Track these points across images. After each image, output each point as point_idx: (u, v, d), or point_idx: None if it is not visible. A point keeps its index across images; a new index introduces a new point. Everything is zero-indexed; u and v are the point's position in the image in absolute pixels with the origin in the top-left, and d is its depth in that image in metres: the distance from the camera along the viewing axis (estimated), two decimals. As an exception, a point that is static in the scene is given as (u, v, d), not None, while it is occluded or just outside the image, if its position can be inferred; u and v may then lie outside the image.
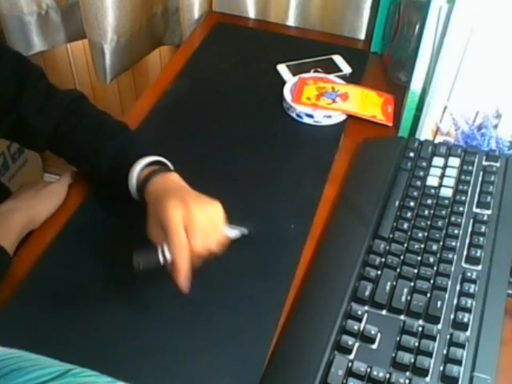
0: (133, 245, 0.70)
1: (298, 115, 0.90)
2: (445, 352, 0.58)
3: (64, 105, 0.76)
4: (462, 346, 0.57)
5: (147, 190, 0.65)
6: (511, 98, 0.77)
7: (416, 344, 0.58)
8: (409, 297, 0.62)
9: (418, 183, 0.75)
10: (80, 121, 0.76)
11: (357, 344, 0.59)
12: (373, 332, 0.59)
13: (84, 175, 0.79)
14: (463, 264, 0.66)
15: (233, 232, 0.64)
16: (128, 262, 0.68)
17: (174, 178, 0.67)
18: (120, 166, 0.70)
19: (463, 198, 0.73)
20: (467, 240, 0.68)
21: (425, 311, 0.61)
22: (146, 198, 0.65)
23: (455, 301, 0.62)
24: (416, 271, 0.65)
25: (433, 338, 0.58)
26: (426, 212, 0.71)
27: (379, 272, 0.65)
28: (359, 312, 0.61)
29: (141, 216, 0.73)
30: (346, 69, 1.00)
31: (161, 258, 0.58)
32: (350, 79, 0.97)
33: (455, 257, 0.66)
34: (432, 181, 0.76)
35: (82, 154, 0.75)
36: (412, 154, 0.79)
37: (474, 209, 0.72)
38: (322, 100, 0.91)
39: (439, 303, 0.61)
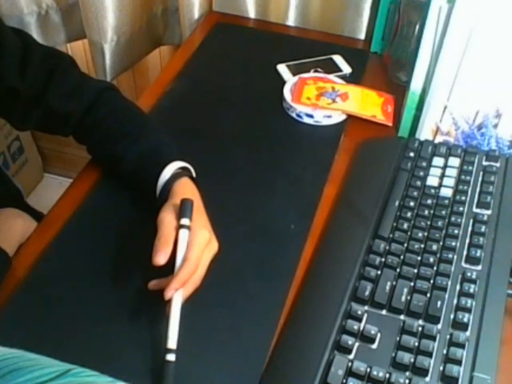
0: (132, 244, 0.70)
1: (298, 115, 0.90)
2: (444, 352, 0.58)
3: (96, 92, 0.76)
4: (462, 346, 0.57)
5: (175, 186, 0.67)
6: (511, 98, 0.77)
7: (416, 344, 0.58)
8: (409, 297, 0.62)
9: (418, 183, 0.75)
10: (115, 109, 0.76)
11: (356, 344, 0.59)
12: (372, 332, 0.59)
13: (84, 175, 0.80)
14: (463, 264, 0.66)
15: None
16: (128, 262, 0.68)
17: (195, 192, 0.68)
18: (155, 161, 0.70)
19: (463, 198, 0.73)
20: (467, 240, 0.68)
21: (425, 311, 0.61)
22: (172, 191, 0.67)
23: (455, 301, 0.62)
24: (416, 271, 0.65)
25: (433, 338, 0.58)
26: (426, 212, 0.71)
27: (379, 272, 0.65)
28: (359, 312, 0.61)
29: (140, 217, 0.73)
30: (346, 69, 1.00)
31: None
32: (350, 79, 0.97)
33: (455, 257, 0.66)
34: (432, 181, 0.76)
35: (114, 140, 0.74)
36: (412, 154, 0.79)
37: (474, 209, 0.72)
38: (322, 99, 0.91)
39: (439, 303, 0.61)
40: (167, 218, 0.62)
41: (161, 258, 0.58)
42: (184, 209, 0.62)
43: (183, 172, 0.69)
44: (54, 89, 0.74)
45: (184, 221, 0.61)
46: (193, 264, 0.59)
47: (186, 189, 0.67)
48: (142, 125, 0.76)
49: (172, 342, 0.57)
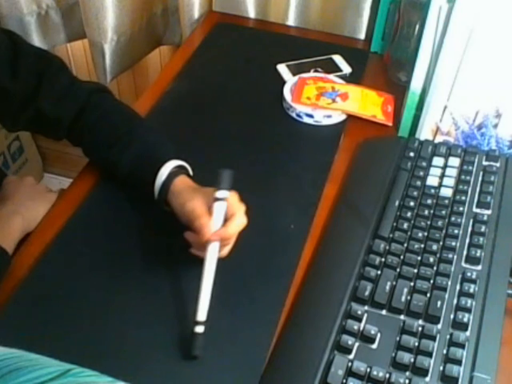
0: (132, 243, 0.70)
1: (298, 115, 0.90)
2: (444, 352, 0.58)
3: (85, 96, 0.76)
4: (462, 346, 0.57)
5: (175, 185, 0.68)
6: (511, 98, 0.77)
7: (416, 344, 0.58)
8: (409, 297, 0.62)
9: (418, 183, 0.75)
10: (104, 114, 0.76)
11: (356, 344, 0.59)
12: (372, 332, 0.59)
13: (84, 175, 0.79)
14: (463, 264, 0.66)
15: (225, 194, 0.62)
16: (128, 262, 0.68)
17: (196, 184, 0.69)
18: (149, 163, 0.70)
19: (463, 198, 0.73)
20: (467, 240, 0.68)
21: (425, 311, 0.61)
22: (174, 190, 0.67)
23: (455, 301, 0.62)
24: (416, 271, 0.65)
25: (433, 338, 0.58)
26: (426, 212, 0.71)
27: (379, 272, 0.65)
28: (359, 312, 0.61)
29: (140, 217, 0.73)
30: (346, 68, 1.00)
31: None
32: (350, 79, 0.97)
33: (455, 257, 0.66)
34: (432, 180, 0.76)
35: (106, 145, 0.74)
36: (412, 154, 0.79)
37: (474, 209, 0.72)
38: (322, 99, 0.91)
39: (439, 303, 0.61)
40: (196, 206, 0.63)
41: (208, 230, 0.60)
42: (222, 180, 0.62)
43: (179, 170, 0.69)
44: (44, 92, 0.74)
45: (221, 193, 0.61)
46: (240, 220, 0.62)
47: (185, 186, 0.67)
48: (134, 126, 0.75)
49: (202, 314, 0.58)
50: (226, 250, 0.64)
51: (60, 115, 0.75)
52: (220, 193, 0.61)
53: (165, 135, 0.76)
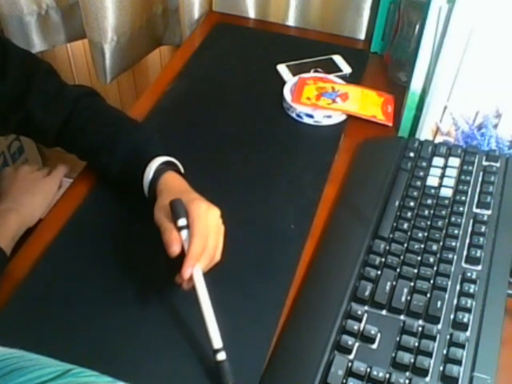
0: (132, 243, 0.70)
1: (298, 115, 0.90)
2: (444, 352, 0.58)
3: (73, 101, 0.76)
4: (462, 346, 0.57)
5: (160, 183, 0.67)
6: (511, 98, 0.77)
7: (416, 344, 0.58)
8: (409, 297, 0.62)
9: (418, 183, 0.75)
10: (91, 118, 0.76)
11: (357, 344, 0.59)
12: (373, 332, 0.59)
13: (84, 175, 0.79)
14: (463, 264, 0.66)
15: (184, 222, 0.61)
16: (128, 262, 0.68)
17: (181, 181, 0.68)
18: (136, 162, 0.70)
19: (463, 198, 0.73)
20: (467, 240, 0.68)
21: (425, 311, 0.61)
22: (158, 189, 0.67)
23: (455, 301, 0.62)
24: (416, 271, 0.65)
25: (433, 338, 0.58)
26: (426, 212, 0.71)
27: (379, 272, 0.65)
28: (359, 312, 0.61)
29: (140, 217, 0.73)
30: (346, 69, 1.00)
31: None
32: (350, 79, 0.97)
33: (455, 257, 0.66)
34: (432, 181, 0.76)
35: (95, 150, 0.74)
36: (412, 154, 0.79)
37: (474, 209, 0.72)
38: (322, 100, 0.91)
39: (439, 303, 0.61)
40: (162, 219, 0.62)
41: (175, 248, 0.58)
42: (175, 210, 0.61)
43: (166, 167, 0.69)
44: (33, 96, 0.73)
45: (181, 222, 0.61)
46: (201, 236, 0.59)
47: (171, 184, 0.67)
48: (122, 127, 0.75)
49: (217, 342, 0.57)
50: (211, 249, 0.61)
51: (49, 119, 0.75)
52: (180, 222, 0.61)
53: (154, 133, 0.76)
